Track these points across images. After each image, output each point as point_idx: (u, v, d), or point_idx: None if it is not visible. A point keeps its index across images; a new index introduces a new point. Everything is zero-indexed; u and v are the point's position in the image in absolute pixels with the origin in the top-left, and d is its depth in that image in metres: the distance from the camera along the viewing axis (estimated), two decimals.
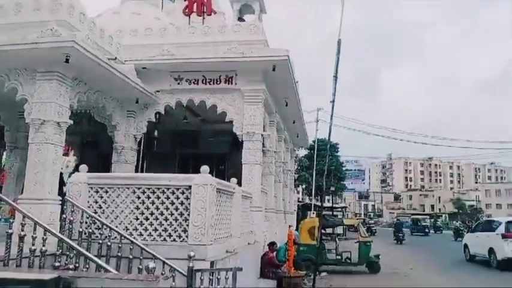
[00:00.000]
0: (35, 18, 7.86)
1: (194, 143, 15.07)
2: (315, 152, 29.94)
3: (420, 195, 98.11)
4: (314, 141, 31.26)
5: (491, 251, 14.27)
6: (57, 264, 4.59)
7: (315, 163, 30.06)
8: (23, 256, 4.29)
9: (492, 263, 14.09)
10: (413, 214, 69.99)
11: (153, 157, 12.73)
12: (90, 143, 14.76)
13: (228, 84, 10.44)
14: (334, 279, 12.19)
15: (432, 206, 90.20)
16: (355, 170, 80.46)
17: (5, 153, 12.91)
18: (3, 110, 10.27)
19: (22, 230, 4.38)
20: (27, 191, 7.16)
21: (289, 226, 11.80)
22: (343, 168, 45.46)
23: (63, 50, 7.13)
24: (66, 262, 5.01)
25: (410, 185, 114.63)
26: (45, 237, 4.56)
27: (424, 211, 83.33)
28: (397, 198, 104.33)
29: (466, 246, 16.97)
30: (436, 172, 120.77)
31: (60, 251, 5.01)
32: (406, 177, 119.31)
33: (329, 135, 11.39)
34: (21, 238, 4.35)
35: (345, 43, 8.62)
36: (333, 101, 10.56)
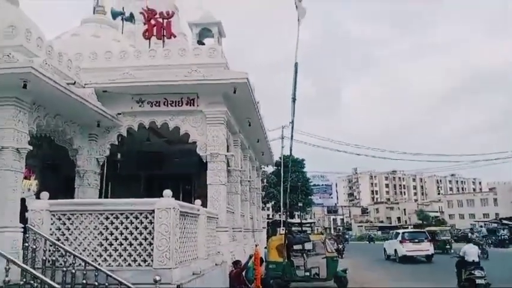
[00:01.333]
0: None
1: (159, 164, 14.97)
2: (282, 168, 30.26)
3: (386, 207, 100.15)
4: (280, 158, 31.63)
5: (395, 251, 22.12)
6: None
7: (282, 180, 30.32)
8: None
9: (396, 259, 21.82)
10: (380, 227, 71.34)
11: (117, 180, 12.55)
12: (52, 166, 14.38)
13: (190, 106, 10.56)
14: None
15: (399, 218, 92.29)
16: (322, 185, 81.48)
17: None
18: None
19: None
20: None
21: (256, 245, 11.84)
22: (310, 184, 46.07)
23: (21, 75, 7.08)
24: None
25: (377, 198, 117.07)
26: (8, 267, 4.46)
27: (390, 223, 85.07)
28: (364, 211, 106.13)
29: (384, 249, 24.42)
30: (400, 185, 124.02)
31: (24, 280, 4.89)
32: (372, 191, 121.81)
33: (290, 155, 11.71)
34: None
35: (303, 60, 8.97)
36: (292, 122, 10.90)
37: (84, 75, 10.02)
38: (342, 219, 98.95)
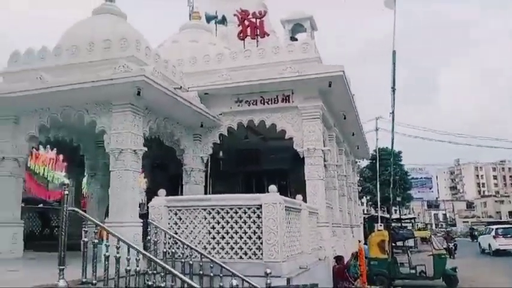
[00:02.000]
0: (106, 55, 8.59)
1: (256, 160, 15.41)
2: (377, 162, 29.23)
3: (495, 201, 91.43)
4: (375, 151, 30.55)
5: (489, 245, 24.75)
6: (150, 283, 4.97)
7: (378, 174, 29.32)
8: (119, 277, 4.71)
9: (490, 253, 24.31)
10: (489, 222, 65.37)
11: (218, 176, 13.19)
12: (159, 166, 15.59)
13: (286, 102, 10.67)
14: None
15: (510, 213, 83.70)
16: (421, 178, 76.86)
17: (85, 179, 14.02)
18: (83, 141, 11.21)
19: (117, 253, 4.82)
20: (111, 216, 7.75)
21: (359, 241, 11.62)
22: (409, 177, 43.78)
23: (135, 83, 7.74)
24: (154, 281, 5.39)
25: (484, 191, 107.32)
26: (138, 258, 4.98)
27: (500, 218, 77.47)
28: (470, 205, 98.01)
29: (479, 244, 27.67)
30: (510, 176, 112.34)
31: (154, 270, 5.40)
32: (478, 183, 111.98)
33: (392, 149, 11.26)
34: (118, 260, 4.79)
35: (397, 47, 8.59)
36: (393, 113, 10.50)
37: (185, 79, 10.67)
38: (444, 215, 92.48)
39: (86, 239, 5.15)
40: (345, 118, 12.88)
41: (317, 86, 10.26)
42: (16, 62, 9.23)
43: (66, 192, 4.98)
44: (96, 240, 5.12)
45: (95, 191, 11.64)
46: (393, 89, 9.34)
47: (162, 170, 15.24)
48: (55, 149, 12.85)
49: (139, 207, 8.96)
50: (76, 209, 5.82)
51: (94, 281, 4.83)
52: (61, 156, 14.12)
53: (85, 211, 12.20)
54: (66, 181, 4.94)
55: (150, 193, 15.28)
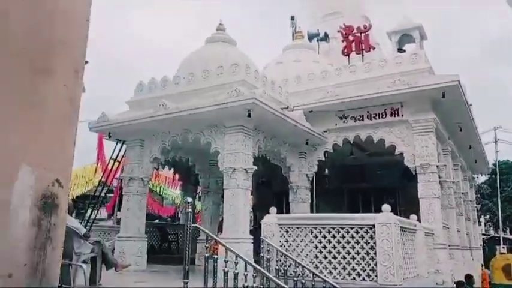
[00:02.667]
0: (220, 81, 9.24)
1: (361, 177, 15.02)
2: (497, 176, 26.43)
3: None
4: (494, 165, 27.68)
5: None
6: None
7: (498, 190, 26.48)
8: None
9: None
10: None
11: (323, 193, 13.13)
12: (264, 183, 16.03)
13: (394, 116, 10.31)
14: None
15: None
16: None
17: (198, 196, 15.04)
18: (198, 161, 12.07)
19: (236, 269, 5.10)
20: (226, 232, 8.21)
21: (482, 265, 10.61)
22: None
23: (246, 106, 8.18)
24: None
25: None
26: (254, 274, 5.21)
27: None
28: None
29: None
30: None
31: (267, 285, 5.60)
32: None
33: None
34: (236, 275, 5.06)
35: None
36: None
37: (291, 98, 10.93)
38: None
39: (207, 254, 5.52)
40: (461, 130, 11.97)
41: (429, 97, 9.76)
42: (141, 91, 10.36)
43: (190, 210, 5.41)
44: (216, 256, 5.47)
45: (207, 207, 12.40)
46: None
47: (267, 186, 15.65)
48: (172, 168, 14.03)
49: None
50: (198, 226, 6.31)
51: None
52: (177, 175, 15.31)
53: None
54: (189, 199, 5.32)
55: (256, 210, 15.83)
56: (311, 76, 11.69)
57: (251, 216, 14.88)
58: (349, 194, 15.37)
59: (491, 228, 36.40)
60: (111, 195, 19.75)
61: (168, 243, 14.49)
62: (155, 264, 10.18)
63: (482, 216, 34.17)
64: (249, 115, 8.34)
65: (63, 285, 4.98)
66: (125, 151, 10.79)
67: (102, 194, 12.19)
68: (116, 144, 11.15)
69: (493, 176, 29.29)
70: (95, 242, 6.12)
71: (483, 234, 29.70)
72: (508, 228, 34.98)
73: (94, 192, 12.75)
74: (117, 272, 6.77)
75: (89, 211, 12.18)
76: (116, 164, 11.15)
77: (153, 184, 20.19)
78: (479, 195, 32.66)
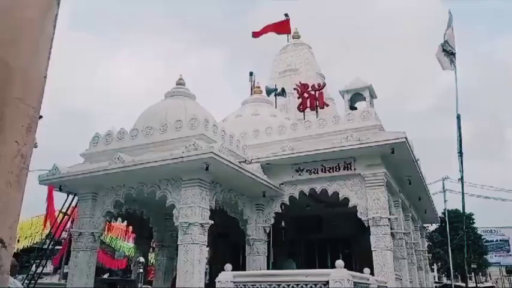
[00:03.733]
0: (178, 135, 9.31)
1: (317, 228, 15.17)
2: (447, 225, 27.44)
3: None
4: (444, 214, 28.82)
5: None
6: None
7: (448, 239, 27.40)
8: None
9: None
10: None
11: (280, 244, 13.12)
12: (221, 234, 15.79)
13: (347, 170, 10.69)
14: None
15: None
16: (496, 240, 70.42)
17: (152, 249, 14.54)
18: (153, 214, 11.82)
19: None
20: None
21: None
22: (483, 241, 40.37)
23: (204, 160, 8.26)
24: None
25: None
26: None
27: None
28: None
29: None
30: None
31: None
32: None
33: (463, 213, 10.73)
34: None
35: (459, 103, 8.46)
36: (462, 178, 10.13)
37: (249, 151, 11.13)
38: None
39: None
40: (410, 183, 12.55)
41: (379, 152, 10.26)
42: (96, 143, 10.21)
43: (141, 270, 5.28)
44: None
45: (161, 262, 12.01)
46: (460, 153, 9.11)
47: (224, 238, 15.42)
48: (126, 220, 13.60)
49: None
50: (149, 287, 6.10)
51: None
52: (130, 228, 14.83)
53: (151, 281, 12.59)
54: (142, 259, 5.19)
55: (212, 263, 15.47)
56: (268, 130, 12.02)
57: (207, 269, 14.52)
58: (305, 244, 15.41)
59: (444, 275, 37.26)
60: (59, 247, 18.70)
61: None
62: None
63: (434, 263, 35.06)
64: (207, 169, 8.40)
65: None
66: (77, 203, 10.41)
67: (49, 248, 11.54)
68: (67, 196, 10.75)
69: (443, 224, 30.40)
70: None
71: (436, 282, 30.36)
72: (460, 276, 35.93)
73: (42, 245, 12.04)
74: None
75: (34, 266, 11.42)
76: (66, 217, 10.68)
77: (104, 236, 19.37)
78: (430, 243, 33.67)
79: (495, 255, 67.53)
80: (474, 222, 37.45)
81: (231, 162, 8.71)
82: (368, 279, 7.79)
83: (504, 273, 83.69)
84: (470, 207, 41.73)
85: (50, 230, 12.06)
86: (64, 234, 17.15)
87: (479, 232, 39.47)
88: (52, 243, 11.86)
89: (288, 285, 6.54)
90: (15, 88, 1.94)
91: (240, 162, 9.35)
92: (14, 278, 6.21)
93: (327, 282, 6.31)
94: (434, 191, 25.30)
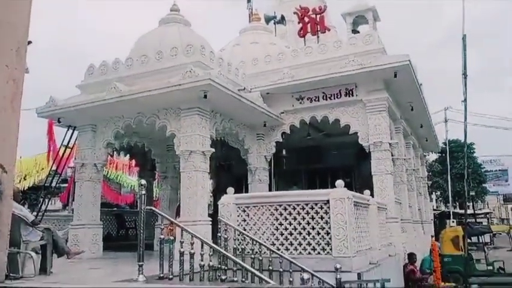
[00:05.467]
0: (174, 62, 8.99)
1: (318, 158, 15.32)
2: (447, 154, 27.77)
3: None
4: (445, 144, 29.05)
5: None
6: (223, 277, 5.19)
7: (448, 167, 27.85)
8: (194, 272, 4.95)
9: None
10: None
11: (282, 175, 13.34)
12: (224, 167, 16.03)
13: (349, 96, 10.52)
14: None
15: None
16: (495, 170, 71.62)
17: (156, 183, 14.82)
18: (154, 146, 11.85)
19: (192, 249, 5.08)
20: (183, 215, 8.15)
21: (432, 236, 11.18)
22: (483, 170, 41.06)
23: (201, 87, 8.07)
24: (226, 276, 5.61)
25: None
26: (210, 253, 5.21)
27: None
28: None
29: None
30: None
31: (225, 266, 5.64)
32: None
33: (465, 138, 10.71)
34: (192, 255, 5.05)
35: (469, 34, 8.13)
36: (465, 100, 9.98)
37: (248, 80, 10.89)
38: None
39: (162, 236, 5.46)
40: (412, 109, 12.43)
41: (382, 77, 10.03)
42: (92, 74, 9.95)
43: (143, 192, 5.30)
44: (172, 237, 5.43)
45: (165, 193, 12.24)
46: (464, 75, 8.87)
47: (227, 171, 15.66)
48: (128, 154, 13.70)
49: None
50: (152, 208, 6.22)
51: (170, 276, 5.12)
52: (133, 162, 14.99)
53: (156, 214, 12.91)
54: (143, 181, 5.18)
55: (217, 194, 15.81)
56: (268, 58, 11.68)
57: (211, 201, 14.89)
58: (306, 174, 15.64)
59: (442, 204, 38.36)
60: (65, 185, 19.09)
61: (125, 230, 14.23)
62: (112, 251, 9.98)
63: (434, 192, 35.94)
64: (205, 96, 8.24)
65: (11, 274, 4.77)
66: (77, 138, 10.41)
67: (54, 183, 11.73)
68: (67, 130, 10.72)
69: (443, 154, 30.77)
70: (45, 229, 5.90)
71: (434, 210, 31.28)
72: (458, 204, 37.00)
73: (45, 182, 12.25)
74: (69, 260, 6.58)
75: (43, 202, 11.68)
76: (68, 151, 10.73)
77: (107, 172, 19.70)
78: (430, 173, 34.23)
79: (493, 185, 69.10)
80: (474, 152, 37.85)
81: (230, 90, 8.52)
82: (368, 200, 7.93)
83: (502, 202, 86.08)
84: (471, 137, 41.84)
85: (52, 164, 12.16)
86: (69, 172, 17.46)
87: (479, 161, 39.99)
88: (57, 178, 12.04)
89: (289, 205, 6.65)
90: (1, 11, 1.77)
91: (239, 90, 9.15)
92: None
93: (328, 201, 6.40)
94: (436, 121, 25.19)
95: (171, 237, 7.28)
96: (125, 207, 23.35)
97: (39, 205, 11.33)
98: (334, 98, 10.64)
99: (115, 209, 18.51)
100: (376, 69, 9.77)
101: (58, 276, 5.70)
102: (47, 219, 11.50)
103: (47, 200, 11.18)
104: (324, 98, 10.73)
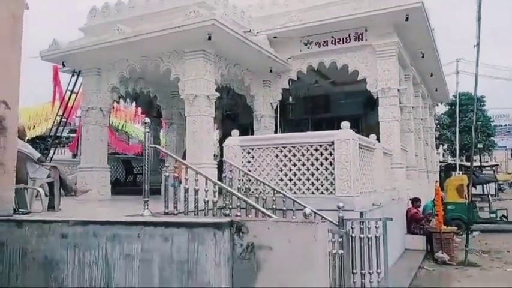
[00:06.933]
0: (177, 3, 8.71)
1: (325, 106, 15.23)
2: (457, 106, 27.41)
3: None
4: (455, 96, 28.57)
5: None
6: (227, 212, 5.29)
7: (457, 119, 27.57)
8: (198, 209, 5.06)
9: None
10: None
11: (288, 123, 13.30)
12: (230, 116, 16.01)
13: (358, 41, 10.23)
14: (488, 238, 11.37)
15: None
16: (505, 125, 70.93)
17: (162, 130, 14.88)
18: (159, 92, 11.77)
19: (196, 185, 5.15)
20: (189, 158, 8.19)
21: (436, 181, 11.25)
22: (492, 124, 40.62)
23: (206, 28, 7.84)
24: (230, 214, 5.73)
25: None
26: (215, 189, 5.29)
27: None
28: None
29: None
30: None
31: (229, 203, 5.75)
32: None
33: (475, 85, 10.47)
34: (196, 191, 5.13)
35: None
36: (478, 45, 9.64)
37: (254, 23, 10.56)
38: None
39: (167, 174, 5.53)
40: (423, 56, 12.11)
41: (392, 20, 9.67)
42: (94, 16, 9.73)
43: (147, 130, 5.31)
44: (176, 174, 5.48)
45: (171, 139, 12.32)
46: (478, 19, 8.51)
47: (233, 120, 15.64)
48: (134, 102, 13.66)
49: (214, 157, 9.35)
50: (157, 146, 6.24)
51: (176, 212, 5.23)
52: (139, 110, 14.98)
53: (163, 160, 13.07)
54: (147, 120, 5.17)
55: (222, 142, 15.89)
56: (275, 1, 11.28)
57: (217, 152, 14.98)
58: (314, 123, 15.60)
59: (449, 156, 38.34)
60: (74, 135, 19.26)
61: (133, 176, 14.48)
62: (120, 195, 10.22)
63: (441, 145, 35.87)
64: (210, 38, 8.04)
65: (20, 209, 4.90)
66: (81, 83, 10.35)
67: (62, 128, 11.82)
68: (72, 75, 10.66)
69: (453, 107, 30.40)
70: (52, 167, 5.99)
71: (440, 162, 31.34)
72: (465, 157, 36.97)
73: (50, 129, 12.33)
74: (77, 198, 6.73)
75: (51, 148, 11.83)
76: (74, 96, 10.71)
77: (116, 123, 19.79)
78: (438, 126, 34.00)
79: (502, 139, 68.73)
80: (484, 105, 37.29)
81: (235, 32, 8.29)
82: (373, 144, 7.90)
83: (509, 157, 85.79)
84: (482, 91, 41.12)
85: (59, 109, 12.18)
86: (78, 122, 17.55)
87: (488, 115, 39.50)
88: (63, 124, 12.12)
89: (294, 147, 6.65)
90: None
91: (244, 32, 8.91)
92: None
93: (332, 142, 6.38)
94: (447, 72, 24.62)
95: (176, 177, 7.36)
96: (134, 156, 23.64)
97: (47, 151, 11.50)
98: (343, 43, 10.35)
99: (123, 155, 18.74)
100: (387, 12, 9.39)
101: (66, 213, 5.84)
102: (54, 163, 11.68)
103: (55, 147, 11.30)
104: (333, 42, 10.44)
